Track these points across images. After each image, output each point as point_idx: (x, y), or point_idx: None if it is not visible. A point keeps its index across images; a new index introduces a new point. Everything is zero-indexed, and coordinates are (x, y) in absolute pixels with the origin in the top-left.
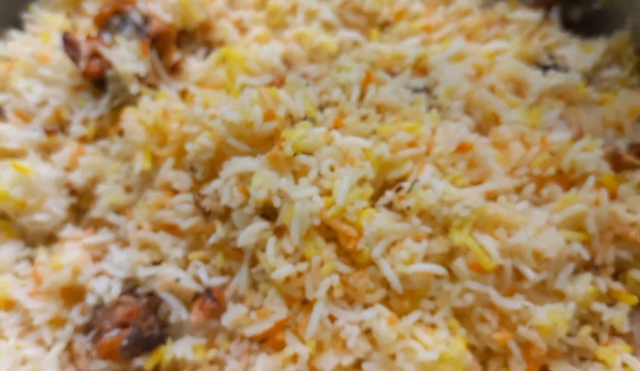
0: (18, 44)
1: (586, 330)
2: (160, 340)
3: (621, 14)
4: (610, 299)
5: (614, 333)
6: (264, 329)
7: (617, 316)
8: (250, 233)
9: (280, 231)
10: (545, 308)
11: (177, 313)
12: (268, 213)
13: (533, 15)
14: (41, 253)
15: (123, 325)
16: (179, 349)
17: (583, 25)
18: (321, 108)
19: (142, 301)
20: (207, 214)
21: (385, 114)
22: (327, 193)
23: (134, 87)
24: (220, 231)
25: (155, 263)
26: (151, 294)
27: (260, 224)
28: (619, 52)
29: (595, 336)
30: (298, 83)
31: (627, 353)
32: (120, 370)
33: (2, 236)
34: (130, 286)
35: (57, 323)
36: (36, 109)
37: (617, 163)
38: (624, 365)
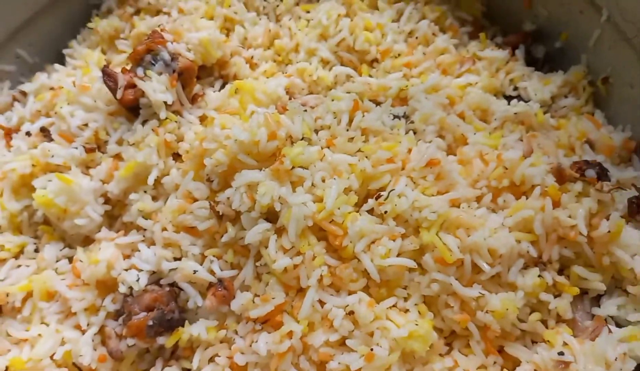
0: (61, 75)
1: (535, 316)
2: (180, 323)
3: (578, 52)
4: (556, 291)
5: (559, 319)
6: (265, 311)
7: (561, 304)
8: (256, 232)
9: (280, 231)
10: (498, 296)
11: (194, 300)
12: (270, 216)
13: (500, 53)
14: (79, 252)
15: (149, 309)
16: (195, 329)
17: (546, 61)
18: (316, 131)
19: (165, 289)
20: (220, 218)
21: (369, 136)
22: (319, 200)
23: (162, 113)
24: (231, 231)
25: (177, 259)
26: (173, 285)
27: (264, 225)
28: (575, 84)
29: (544, 322)
30: (297, 110)
31: (568, 334)
32: (144, 348)
33: (45, 239)
34: (156, 278)
35: (92, 310)
36: (77, 131)
37: (561, 177)
38: (565, 344)
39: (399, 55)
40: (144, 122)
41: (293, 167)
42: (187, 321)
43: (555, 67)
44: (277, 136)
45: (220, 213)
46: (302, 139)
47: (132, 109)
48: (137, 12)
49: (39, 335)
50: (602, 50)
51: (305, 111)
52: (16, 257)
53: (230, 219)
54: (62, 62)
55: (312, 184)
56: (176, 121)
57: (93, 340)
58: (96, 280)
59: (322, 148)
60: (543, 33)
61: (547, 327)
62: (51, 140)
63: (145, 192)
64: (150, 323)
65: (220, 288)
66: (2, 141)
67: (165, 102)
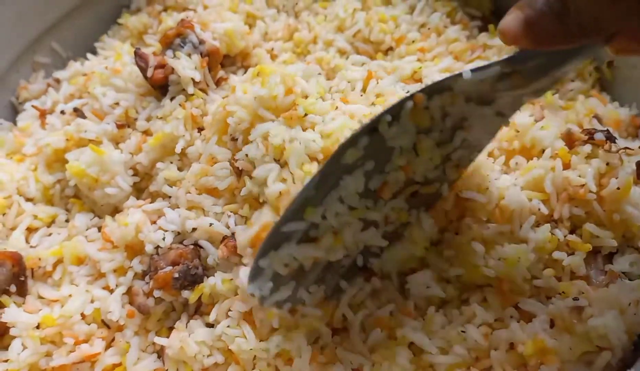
0: (94, 62)
1: (549, 272)
2: (202, 279)
3: None
4: (569, 250)
5: (573, 276)
6: (254, 232)
7: (575, 260)
8: (264, 169)
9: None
10: (511, 247)
11: (213, 256)
12: (283, 163)
13: None
14: (108, 220)
15: (175, 263)
16: (212, 280)
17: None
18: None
19: (189, 247)
20: (239, 174)
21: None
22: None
23: (190, 89)
24: (249, 184)
25: None
26: (195, 244)
27: (272, 164)
28: (582, 69)
29: (558, 279)
30: (312, 72)
31: (582, 283)
32: (169, 305)
33: (75, 210)
34: (180, 239)
35: (120, 271)
36: (109, 109)
37: (571, 141)
38: (580, 292)
39: (412, 42)
40: (172, 99)
41: (306, 115)
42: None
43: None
44: (293, 91)
45: (240, 169)
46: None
47: (161, 87)
48: (165, 9)
49: (69, 295)
50: None
51: (320, 74)
52: (48, 226)
53: (248, 174)
54: (95, 54)
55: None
56: (202, 98)
57: (121, 299)
58: (125, 243)
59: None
60: None
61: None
62: (84, 118)
63: (171, 162)
64: (177, 275)
65: (232, 240)
66: (37, 122)
67: (193, 79)
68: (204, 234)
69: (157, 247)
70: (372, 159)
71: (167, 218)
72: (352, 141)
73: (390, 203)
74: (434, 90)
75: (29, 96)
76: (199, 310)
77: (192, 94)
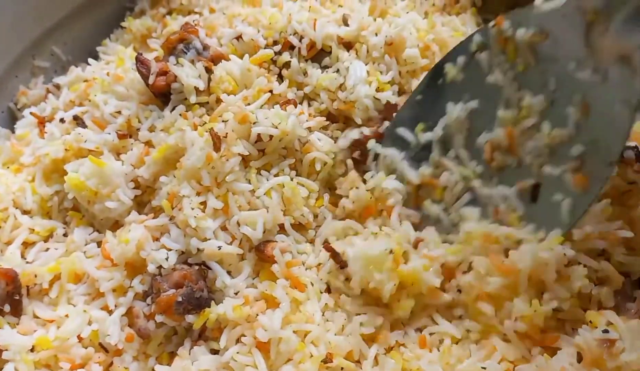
0: (95, 68)
1: (574, 302)
2: (208, 302)
3: None
4: (597, 280)
5: (600, 306)
6: None
7: (604, 292)
8: None
9: None
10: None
11: (222, 278)
12: None
13: None
14: (109, 235)
15: (178, 286)
16: (221, 308)
17: None
18: None
19: (194, 268)
20: None
21: None
22: None
23: (193, 98)
24: None
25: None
26: (201, 264)
27: None
28: None
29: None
30: None
31: (611, 313)
32: (171, 329)
33: (74, 224)
34: (184, 259)
35: (120, 291)
36: (110, 118)
37: None
38: (609, 323)
39: None
40: (173, 109)
41: None
42: (214, 302)
43: None
44: None
45: None
46: None
47: (163, 95)
48: (169, 12)
49: (66, 315)
50: None
51: None
52: (45, 240)
53: None
54: (96, 59)
55: None
56: (204, 105)
57: (120, 321)
58: (125, 261)
59: None
60: None
61: None
62: (85, 127)
63: (174, 176)
64: (180, 299)
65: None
66: (36, 130)
67: (196, 87)
68: (211, 256)
69: (160, 267)
70: (475, 94)
71: (171, 236)
72: (450, 56)
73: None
74: (518, 19)
75: (27, 102)
76: (203, 334)
77: (195, 104)
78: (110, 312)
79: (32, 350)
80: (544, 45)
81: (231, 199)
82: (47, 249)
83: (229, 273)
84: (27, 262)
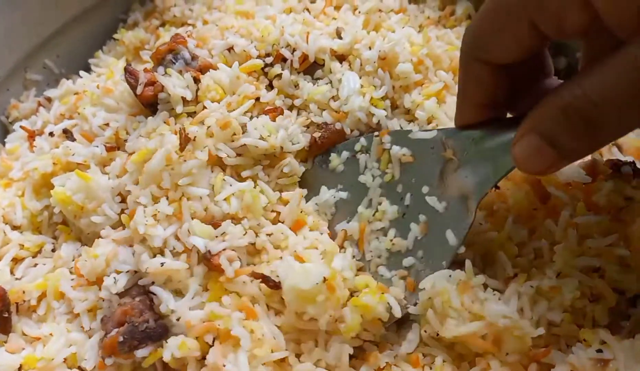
0: (86, 80)
1: (568, 318)
2: (158, 331)
3: None
4: (591, 296)
5: (595, 324)
6: None
7: (598, 310)
8: None
9: None
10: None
11: (166, 303)
12: None
13: None
14: (83, 251)
15: (121, 324)
16: (167, 352)
17: (567, 72)
18: None
19: (137, 299)
20: None
21: None
22: None
23: (179, 108)
24: None
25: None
26: (145, 293)
27: None
28: None
29: (579, 326)
30: None
31: (605, 332)
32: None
33: (62, 238)
34: (137, 278)
35: (95, 310)
36: (98, 130)
37: (595, 174)
38: (603, 342)
39: None
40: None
41: None
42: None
43: None
44: None
45: None
46: None
47: (151, 105)
48: (163, 24)
49: (50, 333)
50: None
51: None
52: (34, 256)
53: None
54: (88, 71)
55: None
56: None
57: (98, 345)
58: (96, 276)
59: None
60: (564, 45)
61: None
62: (74, 140)
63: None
64: (121, 339)
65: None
66: (26, 144)
67: (183, 97)
68: (157, 273)
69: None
70: (347, 187)
71: (119, 257)
72: (337, 149)
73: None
74: (397, 137)
75: (19, 115)
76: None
77: (181, 113)
78: (90, 333)
79: (19, 369)
80: (410, 166)
81: (185, 205)
82: (36, 265)
83: (177, 292)
84: (16, 278)
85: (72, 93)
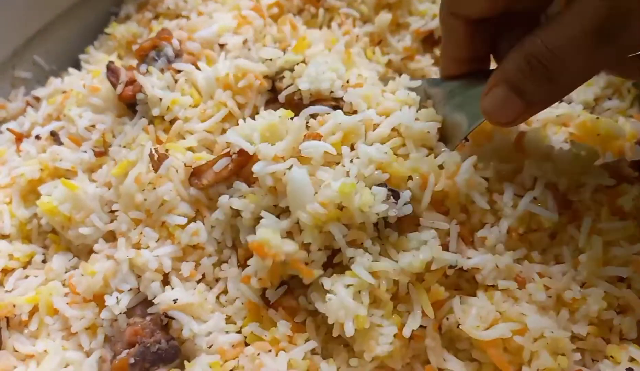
0: (74, 78)
1: (593, 331)
2: (171, 352)
3: None
4: (619, 307)
5: (622, 337)
6: None
7: (626, 322)
8: None
9: None
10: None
11: (189, 327)
12: None
13: None
14: (80, 266)
15: (131, 345)
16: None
17: None
18: None
19: (147, 319)
20: None
21: None
22: None
23: (156, 110)
24: None
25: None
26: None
27: None
28: (619, 85)
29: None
30: None
31: (634, 349)
32: None
33: (53, 249)
34: (142, 297)
35: (94, 329)
36: (85, 133)
37: (620, 177)
38: (632, 359)
39: None
40: (139, 119)
41: None
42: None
43: None
44: None
45: None
46: None
47: (131, 106)
48: (156, 17)
49: (45, 350)
50: None
51: None
52: (25, 267)
53: None
54: (79, 69)
55: None
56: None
57: (97, 365)
58: (93, 294)
59: None
60: None
61: None
62: (61, 144)
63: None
64: (132, 360)
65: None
66: (13, 147)
67: (161, 99)
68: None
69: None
70: None
71: (120, 275)
72: None
73: None
74: None
75: (7, 116)
76: None
77: (157, 116)
78: (87, 352)
79: None
80: None
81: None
82: (27, 277)
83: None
84: (7, 291)
85: (60, 92)
